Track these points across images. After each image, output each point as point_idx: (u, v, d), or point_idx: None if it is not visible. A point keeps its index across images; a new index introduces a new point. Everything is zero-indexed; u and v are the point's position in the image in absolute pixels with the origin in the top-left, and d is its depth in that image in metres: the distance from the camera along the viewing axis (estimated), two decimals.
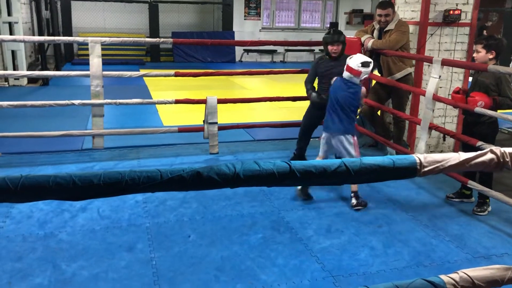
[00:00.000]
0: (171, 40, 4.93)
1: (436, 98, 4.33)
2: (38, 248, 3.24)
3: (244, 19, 16.04)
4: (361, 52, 5.36)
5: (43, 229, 3.51)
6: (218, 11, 16.00)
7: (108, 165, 4.96)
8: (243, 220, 3.76)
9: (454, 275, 1.28)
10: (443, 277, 1.27)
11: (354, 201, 4.03)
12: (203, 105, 5.36)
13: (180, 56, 14.83)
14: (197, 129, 5.42)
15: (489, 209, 4.00)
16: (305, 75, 5.75)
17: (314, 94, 4.72)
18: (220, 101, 5.32)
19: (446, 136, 4.95)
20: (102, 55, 4.85)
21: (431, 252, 3.37)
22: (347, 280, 2.99)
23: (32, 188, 0.89)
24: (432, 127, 4.40)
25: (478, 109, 3.74)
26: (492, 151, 1.15)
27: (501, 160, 1.15)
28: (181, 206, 3.98)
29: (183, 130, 5.37)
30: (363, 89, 4.08)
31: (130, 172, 0.94)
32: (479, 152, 1.16)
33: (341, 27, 17.03)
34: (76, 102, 4.81)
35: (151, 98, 8.37)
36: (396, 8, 5.49)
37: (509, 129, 6.75)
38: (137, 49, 14.63)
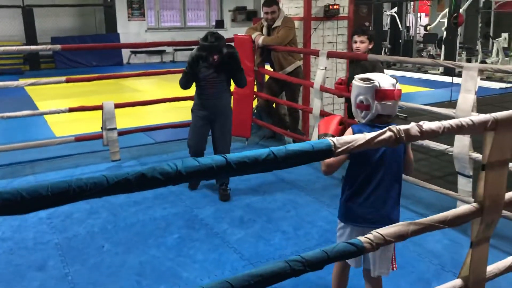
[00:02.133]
0: (59, 46, 4.70)
1: (323, 89, 4.68)
2: None
3: (128, 20, 15.62)
4: (252, 50, 5.60)
5: None
6: (100, 13, 15.38)
7: (0, 184, 4.61)
8: (157, 223, 3.76)
9: (368, 235, 1.47)
10: (361, 238, 1.46)
11: None
12: (99, 112, 5.20)
13: (62, 62, 14.02)
14: (95, 137, 5.25)
15: None
16: None
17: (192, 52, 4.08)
18: (117, 106, 5.20)
19: None
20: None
21: (336, 228, 3.67)
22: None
23: None
24: (323, 114, 4.75)
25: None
26: (390, 130, 1.36)
27: (398, 136, 1.36)
28: (90, 218, 3.86)
29: (80, 139, 5.17)
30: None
31: (76, 180, 0.97)
32: (380, 131, 1.36)
33: (227, 24, 17.37)
34: None
35: (37, 108, 7.86)
36: (280, 5, 5.80)
37: (401, 115, 7.34)
38: (13, 58, 13.53)
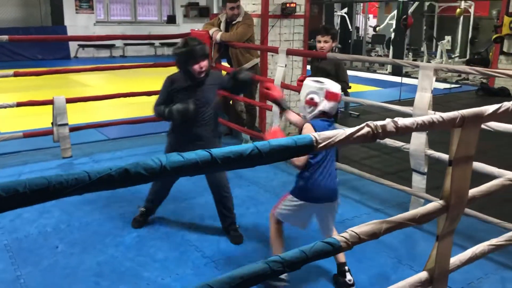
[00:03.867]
0: (6, 37, 4.43)
1: (284, 86, 4.71)
2: None
3: (76, 13, 15.05)
4: (210, 45, 5.54)
5: None
6: (46, 5, 14.73)
7: None
8: (114, 222, 3.64)
9: (344, 234, 1.49)
10: (337, 237, 1.47)
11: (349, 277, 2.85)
12: (47, 107, 4.97)
13: (4, 55, 13.32)
14: (45, 133, 5.01)
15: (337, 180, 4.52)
16: (155, 69, 5.72)
17: (180, 106, 3.10)
18: (68, 101, 4.99)
19: None
20: None
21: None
22: (227, 262, 3.14)
23: None
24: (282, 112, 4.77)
25: None
26: (368, 125, 1.37)
27: (375, 132, 1.38)
28: (41, 217, 3.69)
29: (29, 135, 4.92)
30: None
31: (56, 176, 0.91)
32: (358, 127, 1.37)
33: (179, 19, 17.13)
34: None
35: None
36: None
37: (354, 113, 7.51)
38: None
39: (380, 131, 1.38)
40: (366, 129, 1.37)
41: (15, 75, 4.72)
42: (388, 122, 1.43)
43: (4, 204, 0.85)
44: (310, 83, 2.60)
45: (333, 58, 4.08)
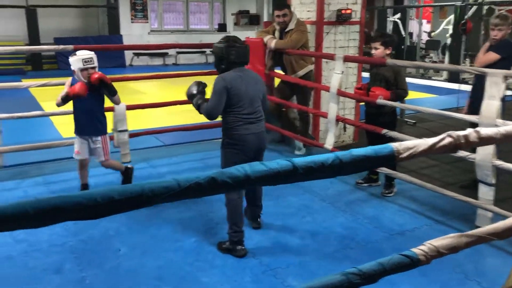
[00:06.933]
0: (71, 46, 4.65)
1: (340, 93, 4.65)
2: None
3: (131, 22, 15.57)
4: (264, 53, 5.57)
5: None
6: (103, 15, 15.34)
7: (9, 185, 4.56)
8: (172, 227, 3.71)
9: (422, 247, 1.43)
10: (415, 250, 1.42)
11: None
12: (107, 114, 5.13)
13: (65, 63, 13.88)
14: None
15: (395, 190, 4.41)
16: (205, 77, 5.76)
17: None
18: (128, 108, 5.14)
19: (346, 126, 5.41)
20: None
21: (354, 235, 3.63)
22: (286, 271, 3.11)
23: (50, 210, 0.84)
24: (339, 119, 4.72)
25: (379, 101, 4.10)
26: (449, 135, 1.32)
27: (458, 142, 1.32)
28: (104, 220, 3.78)
29: None
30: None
31: (149, 184, 0.92)
32: (440, 137, 1.32)
33: (229, 27, 17.36)
34: None
35: (42, 109, 7.79)
36: (292, 9, 5.77)
37: (410, 121, 7.30)
38: (15, 58, 13.47)
39: (462, 141, 1.33)
40: (448, 140, 1.31)
41: None
42: (470, 132, 1.36)
43: (101, 211, 0.87)
44: None
45: (392, 64, 3.99)
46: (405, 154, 1.23)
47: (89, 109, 4.03)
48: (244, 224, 3.43)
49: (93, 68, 3.87)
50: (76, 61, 3.85)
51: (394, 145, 1.23)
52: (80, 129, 4.11)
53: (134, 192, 0.90)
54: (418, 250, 1.41)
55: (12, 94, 9.06)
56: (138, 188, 0.90)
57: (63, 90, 3.93)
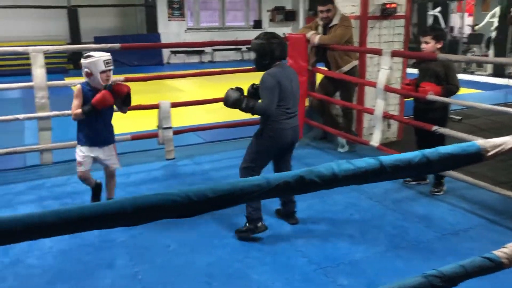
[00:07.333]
0: (118, 45, 4.73)
1: (388, 89, 4.54)
2: (7, 277, 2.99)
3: (168, 20, 15.75)
4: (306, 49, 5.51)
5: (7, 256, 3.23)
6: (141, 13, 15.58)
7: (59, 181, 4.69)
8: (220, 223, 3.71)
9: (504, 249, 1.36)
10: (496, 253, 1.36)
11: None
12: (146, 111, 5.21)
13: None
14: (151, 135, 5.26)
15: (445, 188, 4.28)
16: (241, 74, 5.74)
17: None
18: (173, 105, 5.20)
19: (390, 123, 5.30)
20: (18, 65, 4.57)
21: (405, 234, 3.54)
22: (336, 270, 3.06)
23: (147, 208, 0.83)
24: (386, 116, 4.62)
25: (430, 97, 3.98)
26: None
27: None
28: None
29: (136, 137, 5.18)
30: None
31: (239, 182, 0.91)
32: None
33: (265, 24, 17.33)
34: (21, 116, 4.47)
35: None
36: (335, 4, 5.68)
37: (455, 117, 7.09)
38: (58, 57, 13.84)
39: None
40: None
41: (126, 80, 4.99)
42: None
43: (195, 208, 0.86)
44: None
45: (444, 59, 3.86)
46: (492, 152, 1.17)
47: (105, 117, 3.76)
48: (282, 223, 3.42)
49: (111, 70, 3.60)
50: (96, 63, 3.48)
51: (480, 143, 1.18)
52: (93, 139, 3.73)
53: (227, 190, 0.88)
54: (500, 253, 1.34)
55: (57, 92, 9.31)
56: (230, 187, 0.89)
57: (75, 101, 3.58)
